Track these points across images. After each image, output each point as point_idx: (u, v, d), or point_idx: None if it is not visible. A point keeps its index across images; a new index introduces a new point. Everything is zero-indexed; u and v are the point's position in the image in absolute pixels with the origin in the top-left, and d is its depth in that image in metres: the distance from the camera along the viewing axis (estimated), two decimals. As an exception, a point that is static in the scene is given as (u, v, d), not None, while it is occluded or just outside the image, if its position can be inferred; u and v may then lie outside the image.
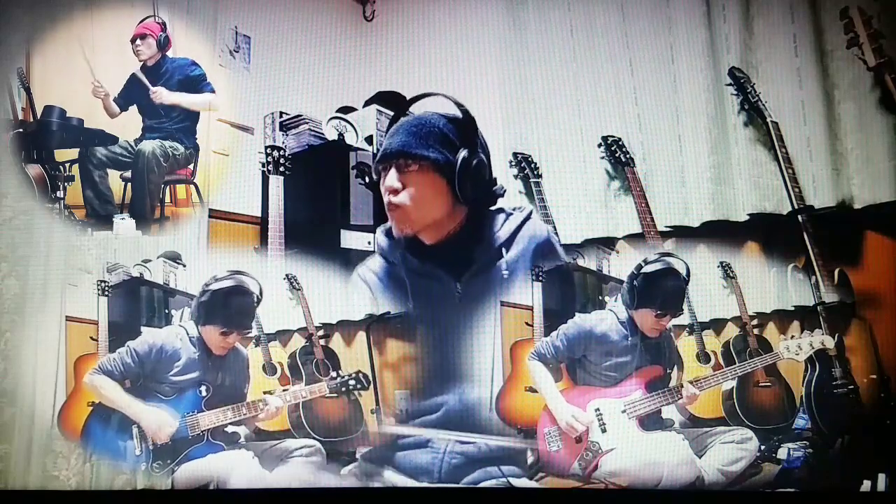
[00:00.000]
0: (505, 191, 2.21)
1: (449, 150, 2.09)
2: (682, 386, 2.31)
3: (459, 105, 2.13)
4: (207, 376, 2.29)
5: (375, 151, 2.54)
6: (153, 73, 2.56)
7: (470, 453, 2.25)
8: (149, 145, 2.53)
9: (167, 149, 2.54)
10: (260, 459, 2.27)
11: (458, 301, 2.22)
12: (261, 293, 2.32)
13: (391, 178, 2.12)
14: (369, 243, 2.42)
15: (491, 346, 2.28)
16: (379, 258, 2.29)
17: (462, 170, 2.08)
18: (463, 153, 2.09)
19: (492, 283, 2.21)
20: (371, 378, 2.35)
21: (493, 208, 2.22)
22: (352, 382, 2.35)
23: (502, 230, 2.21)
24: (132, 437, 2.25)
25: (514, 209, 2.25)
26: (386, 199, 2.14)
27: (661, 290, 2.30)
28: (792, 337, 2.39)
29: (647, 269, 2.31)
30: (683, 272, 2.32)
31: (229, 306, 2.29)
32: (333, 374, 2.37)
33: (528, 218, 2.24)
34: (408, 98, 2.25)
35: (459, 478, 2.24)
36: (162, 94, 2.54)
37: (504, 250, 2.20)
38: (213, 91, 2.54)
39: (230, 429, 2.31)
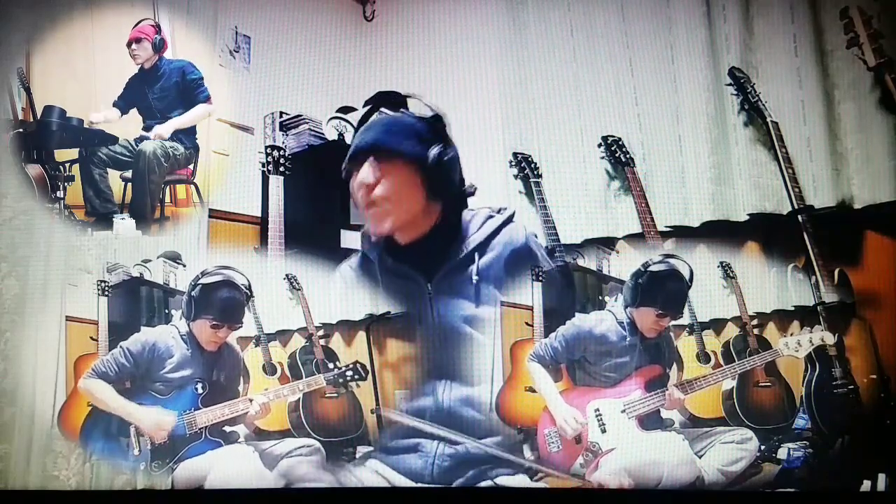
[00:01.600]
0: (475, 189, 2.20)
1: (421, 145, 2.10)
2: (663, 392, 2.30)
3: (430, 107, 2.15)
4: (202, 373, 2.29)
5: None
6: (150, 76, 2.56)
7: (460, 455, 2.24)
8: (150, 145, 2.53)
9: (167, 149, 2.54)
10: (260, 458, 2.27)
11: (430, 301, 2.23)
12: (249, 288, 2.32)
13: (365, 173, 2.12)
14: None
15: (491, 346, 2.28)
16: (360, 255, 2.31)
17: (435, 164, 2.08)
18: (436, 148, 2.10)
19: (463, 285, 2.21)
20: (368, 369, 2.35)
21: (472, 209, 2.22)
22: (349, 373, 2.35)
23: (478, 233, 2.21)
24: (131, 436, 2.25)
25: (496, 211, 2.25)
26: (359, 196, 2.14)
27: (664, 291, 2.30)
28: (791, 334, 2.39)
29: (653, 268, 2.31)
30: (687, 276, 2.32)
31: (219, 300, 2.29)
32: (331, 366, 2.37)
33: (506, 222, 2.23)
34: (373, 95, 2.29)
35: (451, 480, 2.24)
36: (161, 132, 2.53)
37: (477, 255, 2.20)
38: (207, 99, 2.54)
39: (229, 429, 2.31)
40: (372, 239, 2.21)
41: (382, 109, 2.23)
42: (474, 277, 2.19)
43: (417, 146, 2.10)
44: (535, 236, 2.33)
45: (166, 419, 2.25)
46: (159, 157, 2.53)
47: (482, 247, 2.20)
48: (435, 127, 2.14)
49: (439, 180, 2.10)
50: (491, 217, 2.23)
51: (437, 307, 2.23)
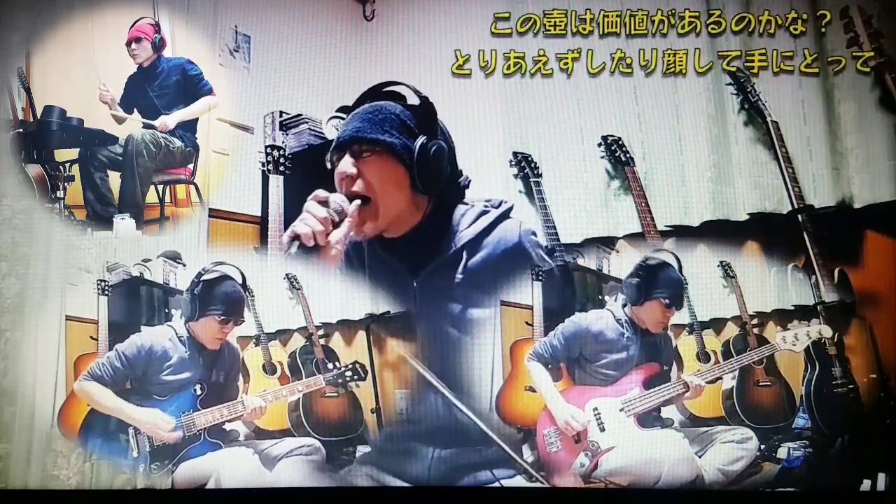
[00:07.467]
0: (470, 181, 2.14)
1: (407, 135, 2.00)
2: (683, 382, 2.30)
3: (417, 92, 2.05)
4: (202, 374, 2.29)
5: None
6: (149, 74, 2.56)
7: (457, 458, 2.23)
8: (139, 132, 2.52)
9: (159, 137, 2.53)
10: (259, 458, 2.27)
11: (414, 297, 2.15)
12: (244, 282, 2.33)
13: (345, 164, 2.00)
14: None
15: (491, 345, 2.27)
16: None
17: (421, 155, 1.98)
18: (421, 139, 1.99)
19: (450, 284, 2.11)
20: (368, 369, 2.35)
21: (468, 202, 2.14)
22: (348, 374, 2.35)
23: (470, 228, 2.10)
24: (130, 437, 2.25)
25: (495, 205, 2.16)
26: (341, 190, 2.01)
27: (667, 281, 2.31)
28: (788, 328, 2.39)
29: (651, 262, 2.33)
30: (676, 265, 2.33)
31: (225, 294, 2.30)
32: (330, 366, 2.37)
33: (500, 218, 2.12)
34: (367, 89, 2.14)
35: (450, 483, 2.23)
36: (167, 122, 2.53)
37: (466, 252, 2.09)
38: (210, 91, 2.54)
39: (229, 427, 2.31)
40: (357, 239, 2.08)
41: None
42: (457, 276, 2.08)
43: (401, 136, 1.98)
44: (534, 234, 2.24)
45: (164, 420, 2.25)
46: (148, 143, 2.51)
47: (472, 244, 2.09)
48: (422, 115, 2.02)
49: (425, 174, 1.98)
50: (485, 212, 2.12)
51: (422, 305, 2.15)
